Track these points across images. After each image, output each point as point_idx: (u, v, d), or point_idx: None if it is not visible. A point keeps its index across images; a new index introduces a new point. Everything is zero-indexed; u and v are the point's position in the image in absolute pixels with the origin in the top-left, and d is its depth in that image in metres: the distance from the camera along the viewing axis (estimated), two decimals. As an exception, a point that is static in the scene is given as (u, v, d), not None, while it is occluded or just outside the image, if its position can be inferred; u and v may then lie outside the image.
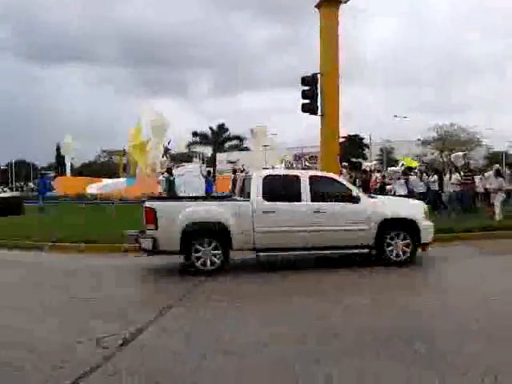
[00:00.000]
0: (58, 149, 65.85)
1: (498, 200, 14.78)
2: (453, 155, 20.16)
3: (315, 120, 13.06)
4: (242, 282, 7.80)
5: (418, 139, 51.02)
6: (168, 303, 6.22)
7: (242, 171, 20.68)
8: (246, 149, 63.20)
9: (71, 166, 38.08)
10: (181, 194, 17.98)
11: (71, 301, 6.66)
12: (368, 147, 56.75)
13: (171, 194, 17.42)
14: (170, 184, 18.05)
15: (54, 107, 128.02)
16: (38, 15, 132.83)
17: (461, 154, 19.51)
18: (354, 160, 30.95)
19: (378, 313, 5.77)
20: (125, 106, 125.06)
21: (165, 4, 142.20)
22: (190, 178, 21.46)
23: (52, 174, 34.68)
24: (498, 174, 15.69)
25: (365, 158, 52.76)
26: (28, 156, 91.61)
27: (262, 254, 8.57)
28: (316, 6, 12.97)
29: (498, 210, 14.47)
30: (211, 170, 24.08)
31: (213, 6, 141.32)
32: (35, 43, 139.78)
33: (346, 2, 11.58)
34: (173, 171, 19.82)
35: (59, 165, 67.62)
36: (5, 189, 54.86)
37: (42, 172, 34.17)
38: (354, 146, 54.67)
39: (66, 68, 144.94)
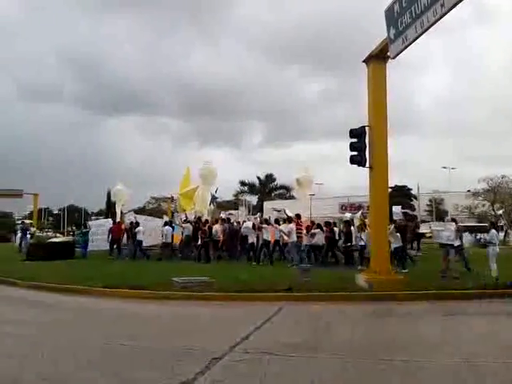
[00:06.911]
0: (109, 195, 67.79)
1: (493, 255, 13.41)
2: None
3: (362, 170, 12.90)
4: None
5: (468, 190, 49.78)
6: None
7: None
8: (293, 197, 63.25)
9: (121, 212, 39.19)
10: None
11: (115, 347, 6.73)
12: (416, 198, 55.70)
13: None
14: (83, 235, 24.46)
15: (109, 155, 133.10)
16: (102, 66, 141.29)
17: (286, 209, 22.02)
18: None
19: None
20: (177, 155, 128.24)
21: (221, 57, 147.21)
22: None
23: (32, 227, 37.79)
24: (493, 226, 14.37)
25: (413, 209, 51.74)
26: (80, 202, 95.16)
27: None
28: (364, 61, 13.13)
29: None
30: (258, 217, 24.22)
31: (267, 60, 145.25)
32: (95, 93, 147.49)
33: (394, 58, 11.60)
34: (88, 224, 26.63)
35: (109, 211, 69.44)
36: (58, 234, 56.82)
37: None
38: (401, 197, 53.75)
39: (122, 117, 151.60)
